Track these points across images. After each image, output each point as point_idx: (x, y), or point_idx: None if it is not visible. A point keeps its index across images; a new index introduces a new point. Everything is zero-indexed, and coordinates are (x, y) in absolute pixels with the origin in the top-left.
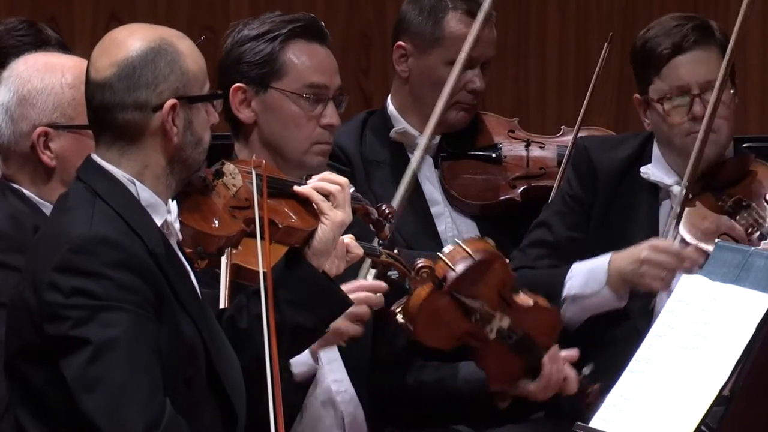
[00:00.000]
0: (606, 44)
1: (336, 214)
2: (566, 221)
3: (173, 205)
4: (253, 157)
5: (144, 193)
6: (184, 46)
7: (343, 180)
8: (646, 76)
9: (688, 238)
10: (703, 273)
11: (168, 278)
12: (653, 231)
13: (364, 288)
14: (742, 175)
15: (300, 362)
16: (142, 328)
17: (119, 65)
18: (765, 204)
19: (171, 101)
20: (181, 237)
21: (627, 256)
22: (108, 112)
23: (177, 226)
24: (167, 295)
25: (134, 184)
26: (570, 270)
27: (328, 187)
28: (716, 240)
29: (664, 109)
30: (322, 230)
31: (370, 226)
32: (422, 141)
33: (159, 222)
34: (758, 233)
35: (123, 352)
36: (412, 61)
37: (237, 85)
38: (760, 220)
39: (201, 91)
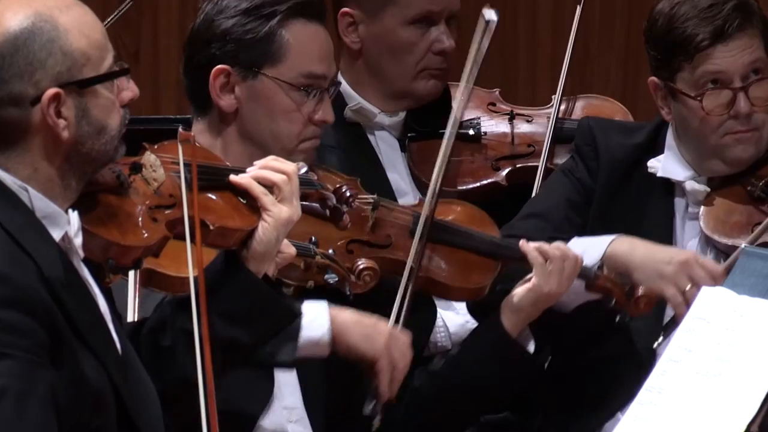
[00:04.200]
0: (579, 6)
1: (280, 210)
2: (572, 207)
3: (74, 216)
4: (180, 129)
5: (39, 202)
6: (67, 20)
7: (290, 168)
8: (672, 63)
9: (718, 238)
10: (727, 285)
11: (66, 311)
12: (668, 233)
13: None
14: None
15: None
16: (34, 377)
17: None
18: None
19: (51, 91)
20: (82, 255)
21: (655, 251)
22: None
23: (78, 241)
24: (65, 334)
25: (27, 191)
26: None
27: (271, 177)
28: (743, 245)
29: (703, 107)
30: (264, 229)
31: (327, 212)
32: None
33: (57, 236)
34: None
35: (11, 406)
36: (362, 28)
37: (221, 67)
38: None
39: (98, 70)
